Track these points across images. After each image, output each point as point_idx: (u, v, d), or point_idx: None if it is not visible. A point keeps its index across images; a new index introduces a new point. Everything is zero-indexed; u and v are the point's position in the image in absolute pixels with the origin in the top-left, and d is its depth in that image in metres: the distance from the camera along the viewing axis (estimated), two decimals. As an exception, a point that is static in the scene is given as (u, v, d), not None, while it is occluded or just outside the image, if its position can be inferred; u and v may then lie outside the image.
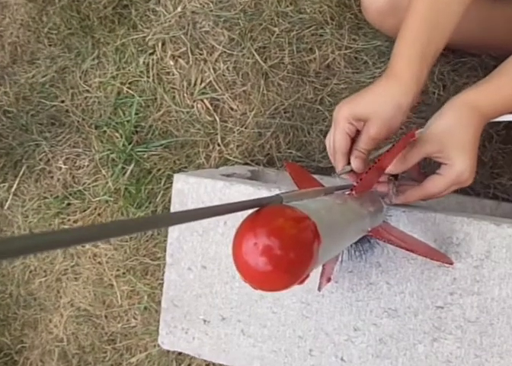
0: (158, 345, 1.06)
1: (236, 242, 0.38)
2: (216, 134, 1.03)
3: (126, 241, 1.10)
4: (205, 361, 1.04)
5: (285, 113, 0.99)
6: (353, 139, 0.68)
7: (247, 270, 0.37)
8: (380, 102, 0.65)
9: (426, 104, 0.91)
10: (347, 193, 0.61)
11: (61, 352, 1.14)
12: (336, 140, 0.67)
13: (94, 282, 1.12)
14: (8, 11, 1.23)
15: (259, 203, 0.38)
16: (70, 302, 1.14)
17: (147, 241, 1.08)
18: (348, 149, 0.68)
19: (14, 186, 1.18)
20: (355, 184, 0.61)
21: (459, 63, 0.90)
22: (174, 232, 0.84)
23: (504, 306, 0.70)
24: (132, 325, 1.09)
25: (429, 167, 0.80)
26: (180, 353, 1.06)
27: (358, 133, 0.68)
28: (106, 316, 1.11)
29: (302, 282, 0.39)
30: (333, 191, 0.59)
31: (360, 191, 0.62)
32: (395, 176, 0.77)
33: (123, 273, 1.10)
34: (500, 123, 0.89)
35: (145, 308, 1.08)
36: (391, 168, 0.65)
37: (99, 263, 1.12)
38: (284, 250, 0.37)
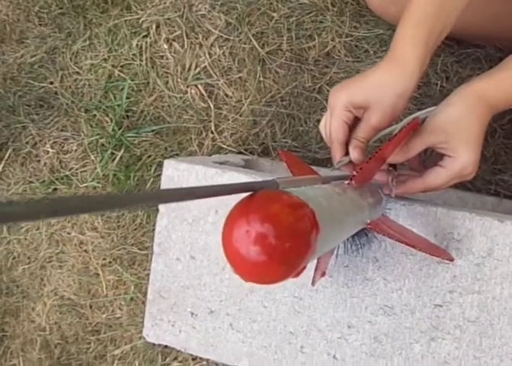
0: (144, 337, 1.03)
1: (226, 229, 0.34)
2: (210, 121, 0.99)
3: (114, 229, 1.06)
4: (191, 355, 1.01)
5: (282, 101, 0.95)
6: (351, 127, 0.65)
7: (237, 260, 0.34)
8: (382, 88, 0.62)
9: (428, 96, 0.88)
10: (346, 183, 0.58)
11: (43, 342, 1.10)
12: (333, 129, 0.64)
13: (79, 271, 1.09)
14: (-2, -12, 1.18)
15: (253, 188, 0.35)
16: (54, 290, 1.10)
17: (135, 229, 1.05)
18: (346, 138, 0.65)
19: (-1, 169, 1.14)
20: (355, 173, 0.58)
21: (463, 54, 0.87)
22: (163, 220, 0.81)
23: (505, 306, 0.68)
24: (118, 316, 1.06)
25: (430, 158, 0.77)
26: (166, 346, 1.03)
27: (356, 120, 0.64)
28: (90, 306, 1.08)
29: (297, 275, 0.36)
30: (331, 181, 0.56)
31: (359, 182, 0.58)
32: (394, 166, 0.74)
33: (110, 262, 1.06)
34: (504, 116, 0.86)
35: (132, 299, 1.04)
36: (392, 158, 0.62)
37: (85, 251, 1.08)
38: (279, 239, 0.33)
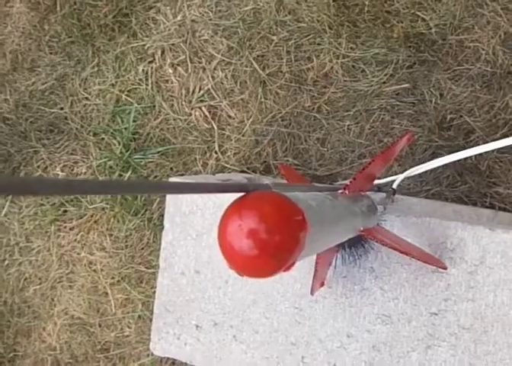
0: (152, 354, 1.05)
1: (221, 225, 0.37)
2: (214, 142, 1.03)
3: (122, 249, 1.09)
4: (198, 371, 1.02)
5: (282, 121, 0.99)
6: None
7: (231, 253, 0.37)
8: None
9: (423, 113, 0.91)
10: (340, 192, 0.61)
11: (54, 361, 1.12)
12: None
13: (88, 290, 1.11)
14: (10, 19, 1.24)
15: (246, 188, 0.38)
16: (64, 310, 1.13)
17: (142, 249, 1.08)
18: None
19: (12, 193, 1.18)
20: (348, 183, 0.61)
21: (457, 71, 0.90)
22: (168, 236, 0.84)
23: (498, 313, 0.69)
24: (126, 334, 1.08)
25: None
26: (173, 363, 1.05)
27: None
28: (100, 325, 1.10)
29: (288, 269, 0.39)
30: (324, 190, 0.58)
31: (352, 191, 0.61)
32: (394, 190, 0.77)
33: (118, 281, 1.09)
34: (497, 131, 0.88)
35: (139, 316, 1.07)
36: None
37: (94, 271, 1.11)
38: (270, 233, 0.36)
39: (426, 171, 0.93)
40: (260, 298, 0.79)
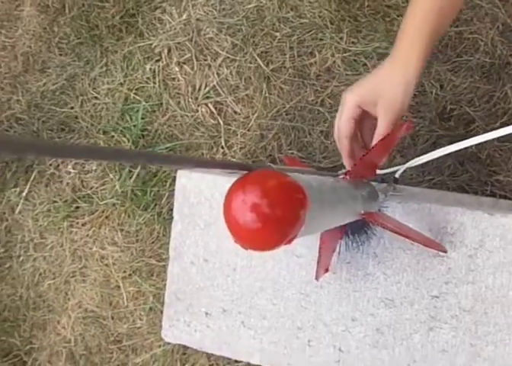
0: (163, 345, 1.08)
1: (226, 200, 0.39)
2: (220, 137, 1.05)
3: (133, 243, 1.12)
4: (209, 360, 1.05)
5: (286, 115, 1.01)
6: (358, 124, 0.69)
7: (235, 227, 0.39)
8: (387, 84, 0.65)
9: (424, 104, 0.93)
10: (341, 177, 0.63)
11: (68, 353, 1.15)
12: (341, 123, 0.68)
13: (101, 284, 1.14)
14: (21, 22, 1.27)
15: (250, 168, 0.40)
16: (78, 303, 1.16)
17: (152, 243, 1.11)
18: (352, 133, 0.69)
19: (26, 191, 1.22)
20: (349, 169, 0.64)
21: (456, 63, 0.92)
22: (177, 226, 0.86)
23: (498, 294, 0.71)
24: (138, 326, 1.11)
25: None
26: (184, 353, 1.07)
27: (363, 118, 0.69)
28: (112, 317, 1.13)
29: (288, 242, 0.41)
30: (327, 176, 0.61)
31: (353, 177, 0.64)
32: (396, 179, 0.79)
33: (129, 274, 1.12)
34: (496, 120, 0.90)
35: (151, 308, 1.09)
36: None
37: (106, 265, 1.14)
38: (271, 208, 0.38)
39: (428, 162, 0.96)
40: (267, 285, 0.81)
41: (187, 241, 0.86)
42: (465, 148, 0.93)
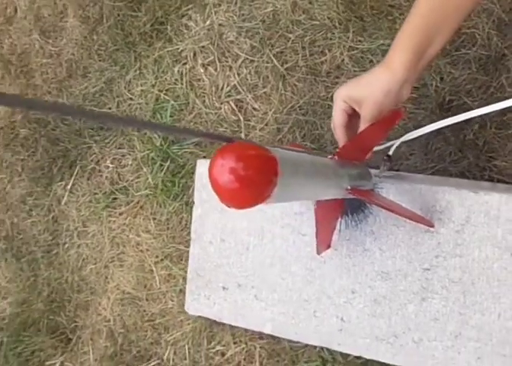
0: (192, 322, 1.17)
1: (210, 166, 0.48)
2: (241, 132, 1.15)
3: (164, 230, 1.23)
4: (233, 338, 1.14)
5: (300, 110, 1.10)
6: (350, 117, 0.78)
7: (218, 188, 0.48)
8: (372, 87, 0.74)
9: (425, 96, 1.00)
10: (329, 157, 0.71)
11: (108, 331, 1.27)
12: (334, 115, 0.77)
13: (136, 268, 1.25)
14: (65, 32, 1.41)
15: (231, 139, 0.49)
16: (116, 286, 1.27)
17: (182, 230, 1.21)
18: (345, 122, 0.78)
19: (70, 184, 1.34)
20: (337, 150, 0.72)
21: (455, 56, 0.98)
22: (198, 210, 0.96)
23: (483, 266, 0.78)
24: (169, 306, 1.21)
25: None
26: (210, 331, 1.17)
27: (355, 112, 0.77)
28: (147, 299, 1.24)
29: (263, 201, 0.49)
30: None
31: (341, 157, 0.71)
32: (389, 156, 0.86)
33: (161, 259, 1.22)
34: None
35: (180, 290, 1.19)
36: None
37: (141, 251, 1.25)
38: (245, 171, 0.46)
39: (431, 149, 1.02)
40: (276, 261, 0.90)
41: (206, 223, 0.95)
42: (464, 135, 1.00)
